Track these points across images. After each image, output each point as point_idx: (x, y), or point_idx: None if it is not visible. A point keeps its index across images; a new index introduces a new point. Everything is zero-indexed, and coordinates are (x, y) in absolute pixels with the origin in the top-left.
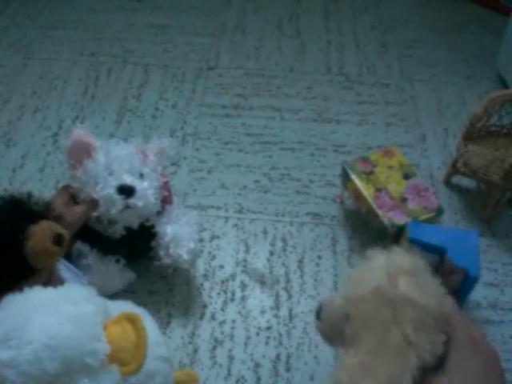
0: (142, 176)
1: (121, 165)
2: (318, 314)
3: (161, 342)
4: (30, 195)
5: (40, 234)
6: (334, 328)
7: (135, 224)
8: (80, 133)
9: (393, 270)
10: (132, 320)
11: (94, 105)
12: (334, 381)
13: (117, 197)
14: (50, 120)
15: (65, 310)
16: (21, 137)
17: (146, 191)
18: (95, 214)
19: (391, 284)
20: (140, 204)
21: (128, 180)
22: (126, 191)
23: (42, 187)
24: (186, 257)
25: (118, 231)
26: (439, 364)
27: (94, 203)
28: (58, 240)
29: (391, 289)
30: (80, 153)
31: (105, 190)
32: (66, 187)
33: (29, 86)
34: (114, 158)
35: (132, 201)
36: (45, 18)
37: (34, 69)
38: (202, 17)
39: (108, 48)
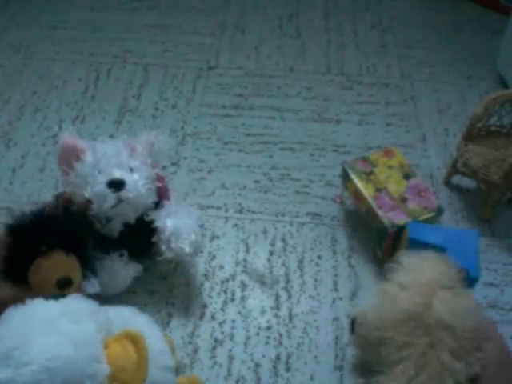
0: (131, 170)
1: (108, 161)
2: (352, 327)
3: (166, 351)
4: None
5: (44, 273)
6: (370, 346)
7: (132, 218)
8: (66, 138)
9: (426, 288)
10: (135, 340)
11: (94, 105)
12: None
13: (107, 191)
14: (49, 120)
15: (66, 329)
16: (21, 137)
17: (137, 183)
18: (90, 213)
19: (426, 306)
20: (131, 196)
21: (117, 174)
22: (116, 185)
23: (42, 187)
24: (187, 249)
25: (115, 228)
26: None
27: (87, 203)
28: (62, 284)
29: (426, 312)
30: (69, 157)
31: (95, 187)
32: (61, 194)
33: (29, 86)
34: (101, 156)
35: (123, 193)
36: (45, 18)
37: (33, 69)
38: (202, 16)
39: (108, 48)
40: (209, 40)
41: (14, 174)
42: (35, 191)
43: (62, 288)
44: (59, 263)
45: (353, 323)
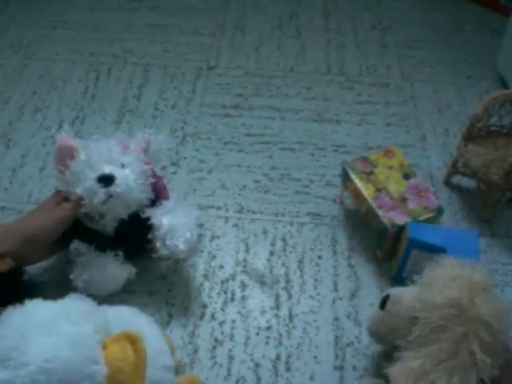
0: (123, 165)
1: (100, 157)
2: (383, 303)
3: (165, 350)
4: None
5: None
6: (396, 323)
7: (124, 214)
8: (62, 138)
9: (473, 285)
10: (133, 340)
11: (94, 105)
12: (391, 380)
13: (96, 186)
14: (50, 120)
15: (64, 330)
16: (21, 137)
17: (127, 178)
18: (83, 209)
19: (470, 300)
20: (120, 190)
21: (107, 170)
22: (105, 180)
23: (42, 187)
24: (182, 247)
25: (109, 224)
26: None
27: (79, 199)
28: None
29: (469, 305)
30: (65, 156)
31: (85, 182)
32: (58, 192)
33: (29, 86)
34: (93, 153)
35: (112, 188)
36: (45, 18)
37: (33, 69)
38: (202, 16)
39: (108, 48)
40: (209, 40)
41: (14, 174)
42: (35, 191)
43: None
44: None
45: (385, 300)
